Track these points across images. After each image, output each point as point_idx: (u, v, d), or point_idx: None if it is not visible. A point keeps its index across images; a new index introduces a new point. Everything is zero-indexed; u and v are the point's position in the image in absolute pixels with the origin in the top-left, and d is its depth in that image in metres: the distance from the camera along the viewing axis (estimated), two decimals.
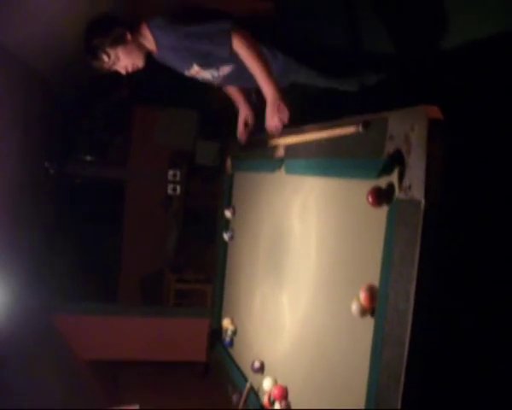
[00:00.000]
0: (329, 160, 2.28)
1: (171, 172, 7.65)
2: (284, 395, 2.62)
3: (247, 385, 3.12)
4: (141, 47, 2.88)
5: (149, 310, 6.85)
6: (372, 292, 1.85)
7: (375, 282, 1.85)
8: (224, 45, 2.72)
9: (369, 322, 1.87)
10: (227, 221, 3.83)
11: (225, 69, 2.99)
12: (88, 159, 8.26)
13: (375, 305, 1.83)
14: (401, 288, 1.67)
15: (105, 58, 2.79)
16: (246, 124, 3.38)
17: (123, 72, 2.92)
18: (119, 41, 2.78)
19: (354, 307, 1.91)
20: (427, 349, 1.63)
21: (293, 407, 2.57)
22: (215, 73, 3.01)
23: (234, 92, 3.42)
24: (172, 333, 5.91)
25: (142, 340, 5.87)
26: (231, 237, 3.76)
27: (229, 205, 3.81)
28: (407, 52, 3.30)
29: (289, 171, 2.75)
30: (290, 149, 2.76)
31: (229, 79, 3.08)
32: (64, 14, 4.22)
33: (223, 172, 4.03)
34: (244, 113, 3.38)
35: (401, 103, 1.84)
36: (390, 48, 3.31)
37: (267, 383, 2.80)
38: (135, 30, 2.84)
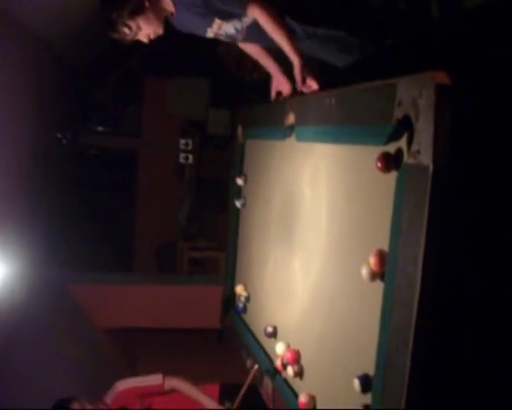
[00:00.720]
0: (339, 126, 2.29)
1: (183, 141, 7.68)
2: (297, 358, 2.66)
3: (254, 368, 3.15)
4: (160, 12, 2.83)
5: (163, 278, 6.95)
6: (381, 257, 1.87)
7: (385, 246, 1.87)
8: (241, 5, 2.71)
9: (379, 286, 1.90)
10: (239, 189, 3.85)
11: (248, 19, 2.89)
12: (100, 129, 8.29)
13: (385, 269, 1.86)
14: (409, 252, 1.69)
15: (126, 30, 2.75)
16: (279, 93, 3.25)
17: (145, 40, 2.87)
18: (137, 10, 2.72)
19: (364, 272, 1.93)
20: (435, 313, 1.65)
21: (305, 371, 2.62)
22: (238, 25, 2.92)
23: (263, 56, 3.29)
24: (186, 301, 5.99)
25: (157, 308, 5.96)
26: (243, 205, 3.78)
27: (240, 173, 3.83)
28: (415, 19, 3.28)
29: (300, 138, 2.76)
30: (301, 116, 2.77)
31: (252, 32, 2.96)
32: None
33: (234, 140, 4.04)
34: (277, 80, 3.23)
35: (410, 69, 1.84)
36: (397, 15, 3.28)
37: (280, 348, 2.84)
38: None
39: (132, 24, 2.74)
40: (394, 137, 1.83)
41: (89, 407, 3.42)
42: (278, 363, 2.84)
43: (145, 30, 2.80)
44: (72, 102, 7.09)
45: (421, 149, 1.67)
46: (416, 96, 1.72)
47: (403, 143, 1.80)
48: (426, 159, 1.64)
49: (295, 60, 2.69)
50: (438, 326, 1.68)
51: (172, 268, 8.03)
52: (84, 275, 6.00)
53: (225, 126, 7.50)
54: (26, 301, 4.30)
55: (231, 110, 7.18)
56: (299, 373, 2.64)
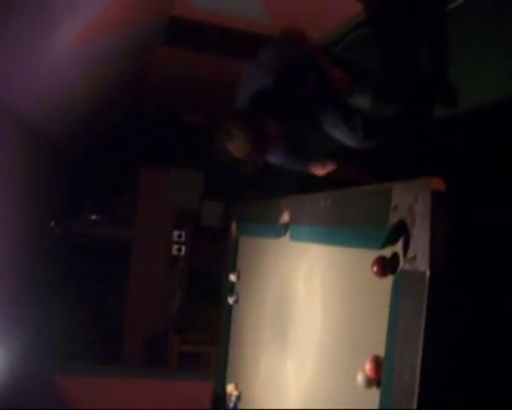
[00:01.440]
0: (334, 228, 2.29)
1: (176, 233, 7.69)
2: None
3: None
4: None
5: (152, 372, 6.79)
6: (377, 363, 1.84)
7: (381, 352, 1.84)
8: None
9: (375, 393, 1.85)
10: (232, 284, 3.82)
11: None
12: (93, 218, 8.30)
13: (381, 376, 1.82)
14: (406, 359, 1.66)
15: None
16: None
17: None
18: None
19: (360, 379, 1.89)
20: None
21: None
22: None
23: None
24: (175, 396, 5.84)
25: (146, 404, 5.80)
26: (236, 301, 3.74)
27: (233, 269, 3.81)
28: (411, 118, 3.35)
29: (294, 237, 2.76)
30: (295, 215, 2.78)
31: None
32: (75, 80, 4.31)
33: (228, 234, 4.04)
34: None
35: (405, 174, 1.86)
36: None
37: None
38: None
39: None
40: (390, 241, 1.83)
41: None
42: None
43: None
44: (65, 191, 7.13)
45: (418, 255, 1.67)
46: (411, 201, 1.73)
47: (399, 247, 1.80)
48: (422, 265, 1.64)
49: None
50: None
51: (162, 361, 7.89)
52: (71, 367, 5.86)
53: (219, 219, 7.54)
54: (9, 392, 4.19)
55: (225, 203, 7.24)
56: None
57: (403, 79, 3.11)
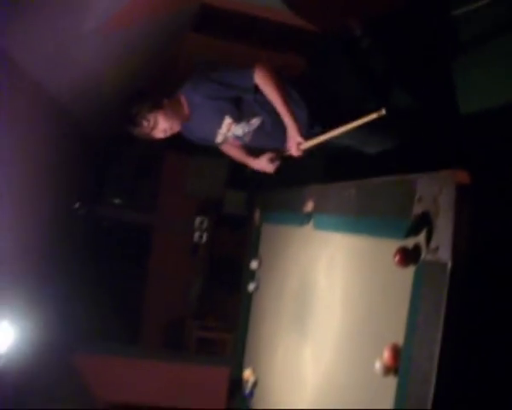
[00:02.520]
0: (358, 218, 2.31)
1: (198, 220, 7.71)
2: None
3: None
4: (177, 111, 3.04)
5: (170, 355, 6.85)
6: (396, 352, 1.86)
7: (400, 341, 1.86)
8: (247, 74, 2.88)
9: (392, 381, 1.88)
10: (252, 272, 3.86)
11: (255, 121, 3.09)
12: (116, 202, 8.35)
13: (399, 364, 1.84)
14: (425, 349, 1.68)
15: (144, 123, 2.93)
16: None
17: (161, 136, 3.06)
18: (156, 106, 2.94)
19: (378, 366, 1.91)
20: None
21: None
22: (246, 128, 3.10)
23: (239, 154, 3.52)
24: (192, 380, 5.90)
25: (162, 385, 5.86)
26: (256, 288, 3.78)
27: (255, 256, 3.84)
28: (434, 114, 3.35)
29: (318, 226, 2.78)
30: (319, 204, 2.80)
31: (258, 135, 3.16)
32: (102, 61, 4.35)
33: (250, 223, 4.07)
34: (264, 159, 3.35)
35: (428, 166, 1.87)
36: (416, 110, 3.36)
37: None
38: (171, 97, 3.04)
39: (151, 117, 2.94)
40: (413, 232, 1.84)
41: None
42: None
43: (162, 125, 2.99)
44: (90, 174, 7.20)
45: (441, 246, 1.69)
46: (436, 193, 1.74)
47: (421, 238, 1.82)
48: (445, 256, 1.66)
49: (290, 127, 2.89)
50: None
51: (179, 345, 7.94)
52: (90, 345, 5.93)
53: (241, 208, 7.55)
54: (32, 366, 4.26)
55: (248, 192, 7.25)
56: None
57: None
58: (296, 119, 2.88)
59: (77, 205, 6.46)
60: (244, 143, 3.27)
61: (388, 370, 1.89)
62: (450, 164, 1.77)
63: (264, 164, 3.34)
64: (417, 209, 1.84)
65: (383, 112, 2.12)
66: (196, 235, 7.72)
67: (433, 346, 1.64)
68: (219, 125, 3.09)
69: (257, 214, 3.89)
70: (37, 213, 4.45)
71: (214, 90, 2.93)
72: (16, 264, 3.92)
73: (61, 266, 5.91)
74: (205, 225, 7.68)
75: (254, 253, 3.87)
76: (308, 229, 2.90)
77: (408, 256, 1.85)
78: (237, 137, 3.20)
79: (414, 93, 3.57)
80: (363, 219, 2.27)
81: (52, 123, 4.36)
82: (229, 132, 3.13)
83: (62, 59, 3.68)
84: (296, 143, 2.89)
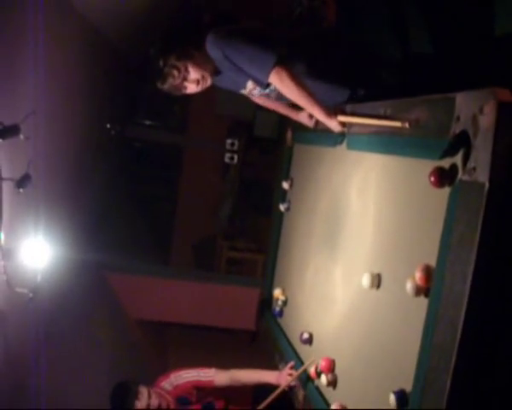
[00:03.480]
0: (392, 137, 2.27)
1: (229, 141, 7.70)
2: (331, 367, 2.64)
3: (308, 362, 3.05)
4: (208, 61, 2.85)
5: (200, 275, 6.97)
6: (428, 272, 1.84)
7: (432, 262, 1.84)
8: (263, 71, 2.69)
9: (423, 302, 1.87)
10: (284, 192, 3.85)
11: None
12: (148, 123, 8.36)
13: (431, 285, 1.83)
14: (458, 270, 1.66)
15: (175, 72, 2.77)
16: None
17: (194, 88, 2.89)
18: (184, 55, 2.77)
19: (409, 286, 1.91)
20: (481, 333, 1.62)
21: (339, 381, 2.60)
22: (272, 86, 2.88)
23: (275, 106, 3.38)
24: (222, 300, 6.00)
25: (192, 304, 5.98)
26: (287, 208, 3.78)
27: (287, 176, 3.83)
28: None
29: (351, 146, 2.74)
30: (353, 123, 2.75)
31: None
32: None
33: (281, 144, 4.04)
34: (304, 114, 3.23)
35: (468, 85, 1.81)
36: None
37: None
38: (198, 48, 2.82)
39: (180, 65, 2.77)
40: (450, 152, 1.80)
41: (154, 390, 3.46)
42: (312, 370, 2.83)
43: (193, 74, 2.82)
44: (122, 94, 7.18)
45: (478, 167, 1.64)
46: (475, 112, 1.68)
47: (458, 159, 1.77)
48: (482, 176, 1.61)
49: (321, 118, 2.73)
50: (483, 346, 1.65)
51: (209, 266, 8.07)
52: (122, 264, 6.04)
53: (272, 130, 7.49)
54: (66, 284, 4.36)
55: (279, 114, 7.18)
56: (333, 383, 2.62)
57: None
58: (321, 105, 2.70)
59: (109, 125, 6.47)
60: (271, 98, 3.13)
61: (420, 290, 1.89)
62: (490, 84, 1.71)
63: (304, 118, 3.23)
64: (455, 129, 1.78)
65: (407, 125, 2.06)
66: (227, 156, 7.73)
67: (466, 267, 1.62)
68: (243, 85, 2.97)
69: (289, 135, 3.85)
70: (71, 132, 4.47)
71: (231, 68, 2.80)
72: (51, 182, 3.97)
73: (94, 185, 5.97)
74: (235, 146, 7.66)
75: (286, 174, 3.85)
76: (341, 149, 2.86)
77: (444, 176, 1.81)
78: (263, 94, 3.06)
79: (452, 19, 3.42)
80: (397, 139, 2.22)
81: (83, 41, 4.33)
82: (255, 90, 3.00)
83: None
84: (332, 123, 2.72)
